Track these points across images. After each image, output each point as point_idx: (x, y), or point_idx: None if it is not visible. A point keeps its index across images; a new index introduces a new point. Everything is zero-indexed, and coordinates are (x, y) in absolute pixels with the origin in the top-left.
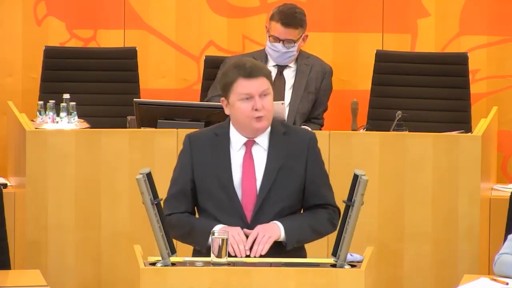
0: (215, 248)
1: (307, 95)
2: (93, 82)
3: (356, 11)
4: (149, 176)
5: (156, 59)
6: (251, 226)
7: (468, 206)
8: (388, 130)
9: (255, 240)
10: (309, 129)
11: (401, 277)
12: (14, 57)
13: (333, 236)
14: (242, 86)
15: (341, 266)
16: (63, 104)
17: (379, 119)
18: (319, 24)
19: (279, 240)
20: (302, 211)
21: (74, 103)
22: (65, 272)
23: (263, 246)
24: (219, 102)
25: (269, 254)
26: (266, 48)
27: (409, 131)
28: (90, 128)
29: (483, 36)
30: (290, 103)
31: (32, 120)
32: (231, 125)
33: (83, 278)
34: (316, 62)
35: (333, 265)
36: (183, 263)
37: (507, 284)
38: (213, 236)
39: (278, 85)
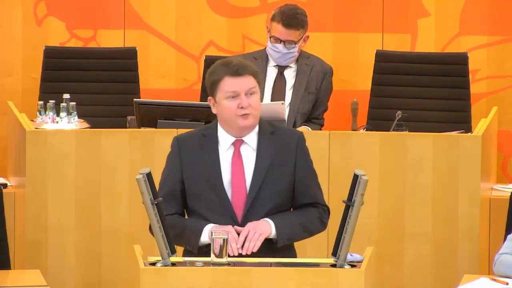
0: (215, 248)
1: (308, 95)
2: (93, 82)
3: (356, 11)
4: (149, 176)
5: (156, 59)
6: (242, 226)
7: (468, 206)
8: (388, 130)
9: (246, 237)
10: (309, 128)
11: (401, 277)
12: (14, 57)
13: (333, 236)
14: (229, 84)
15: (341, 266)
16: (63, 104)
17: (379, 119)
18: (319, 24)
19: (270, 237)
20: (291, 210)
21: (74, 103)
22: (65, 272)
23: (255, 243)
24: None
25: (259, 251)
26: (266, 49)
27: (409, 131)
28: (90, 128)
29: (483, 36)
30: (290, 103)
31: (32, 120)
32: (218, 125)
33: (83, 278)
34: (316, 62)
35: (333, 265)
36: (183, 263)
37: (507, 284)
38: (213, 236)
39: (278, 85)
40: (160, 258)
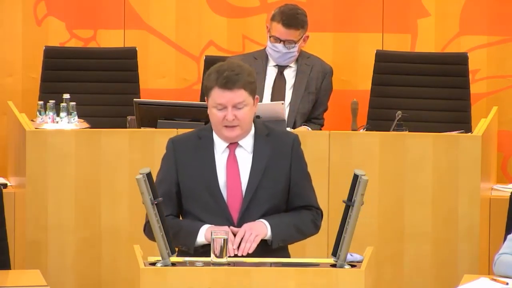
0: (215, 248)
1: (308, 95)
2: (93, 82)
3: (356, 11)
4: (149, 176)
5: (156, 59)
6: (238, 227)
7: (468, 206)
8: (388, 130)
9: (242, 238)
10: (309, 128)
11: (401, 277)
12: (14, 57)
13: (333, 236)
14: (217, 95)
15: (341, 266)
16: (63, 104)
17: (379, 119)
18: (319, 24)
19: (265, 238)
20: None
21: (74, 103)
22: (65, 272)
23: (251, 244)
24: None
25: (254, 252)
26: (266, 48)
27: (409, 131)
28: (90, 128)
29: (483, 36)
30: (290, 103)
31: (32, 120)
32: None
33: (83, 278)
34: (316, 62)
35: (333, 265)
36: (183, 263)
37: (507, 284)
38: (214, 236)
39: (278, 85)
40: (160, 258)
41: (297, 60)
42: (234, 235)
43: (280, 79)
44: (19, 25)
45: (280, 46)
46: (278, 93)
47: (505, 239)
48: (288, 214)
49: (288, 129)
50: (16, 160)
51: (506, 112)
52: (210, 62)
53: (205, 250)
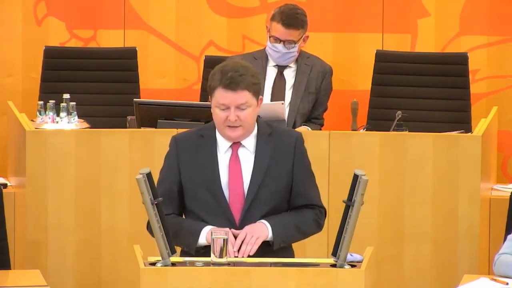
0: (215, 248)
1: (308, 95)
2: (93, 82)
3: (356, 11)
4: (149, 176)
5: (156, 59)
6: (239, 228)
7: (468, 206)
8: (388, 130)
9: (243, 241)
10: (309, 128)
11: (401, 277)
12: (14, 57)
13: (333, 236)
14: (220, 95)
15: (341, 266)
16: (63, 104)
17: (379, 119)
18: (319, 24)
19: (267, 239)
20: (288, 210)
21: (74, 103)
22: (65, 272)
23: (252, 246)
24: None
25: (256, 253)
26: (266, 48)
27: (409, 131)
28: (90, 128)
29: (483, 36)
30: (290, 103)
31: (32, 120)
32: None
33: (83, 278)
34: (316, 62)
35: (333, 265)
36: (183, 263)
37: (507, 284)
38: (214, 236)
39: (278, 85)
40: (160, 258)
41: (297, 60)
42: (235, 237)
43: (280, 79)
44: (19, 25)
45: (280, 46)
46: (278, 93)
47: (505, 239)
48: (289, 214)
49: None
50: (16, 160)
51: (506, 112)
52: (210, 62)
53: (206, 251)
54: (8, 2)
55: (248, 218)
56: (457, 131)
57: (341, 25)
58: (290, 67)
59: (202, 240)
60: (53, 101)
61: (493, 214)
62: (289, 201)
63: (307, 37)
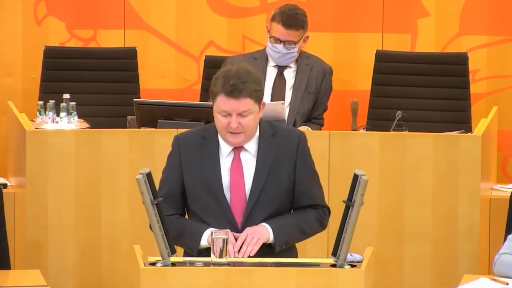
0: (215, 248)
1: (307, 95)
2: (93, 82)
3: (356, 11)
4: (149, 176)
5: (156, 59)
6: (241, 231)
7: (468, 206)
8: (388, 130)
9: (244, 242)
10: (309, 128)
11: (401, 277)
12: (14, 57)
13: (333, 236)
14: (222, 102)
15: (341, 266)
16: (63, 104)
17: (379, 119)
18: (319, 24)
19: (268, 242)
20: (292, 211)
21: (74, 103)
22: (65, 272)
23: (252, 247)
24: None
25: (258, 255)
26: (266, 49)
27: (409, 131)
28: (90, 128)
29: (483, 36)
30: (290, 103)
31: (32, 120)
32: None
33: (83, 278)
34: (316, 62)
35: (333, 265)
36: (183, 263)
37: (507, 284)
38: (214, 237)
39: (278, 85)
40: (160, 258)
41: (297, 60)
42: (236, 239)
43: (280, 79)
44: (19, 25)
45: (280, 46)
46: (278, 93)
47: (505, 239)
48: (291, 215)
49: None
50: (16, 160)
51: (506, 112)
52: (210, 62)
53: (208, 252)
54: (8, 2)
55: (250, 221)
56: (457, 131)
57: (341, 25)
58: (290, 67)
59: (204, 242)
60: (53, 101)
61: (493, 214)
62: (292, 202)
63: (307, 37)
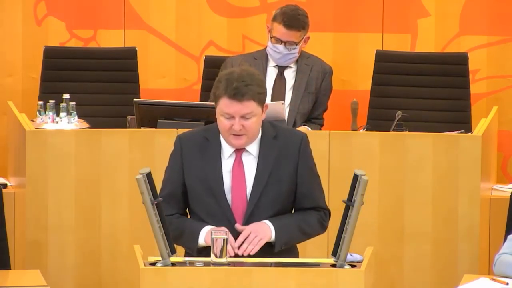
0: (215, 248)
1: (308, 95)
2: (93, 82)
3: (356, 11)
4: (149, 176)
5: (156, 59)
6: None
7: (468, 206)
8: (388, 130)
9: (246, 238)
10: (309, 128)
11: (401, 277)
12: (14, 57)
13: (333, 236)
14: (225, 104)
15: (341, 266)
16: (63, 104)
17: (379, 119)
18: (319, 24)
19: (269, 241)
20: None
21: (74, 103)
22: (65, 272)
23: (253, 246)
24: None
25: (258, 255)
26: (267, 49)
27: (409, 131)
28: (90, 128)
29: (483, 36)
30: (290, 103)
31: (32, 120)
32: None
33: (83, 278)
34: (316, 62)
35: (333, 265)
36: (183, 263)
37: (507, 284)
38: (214, 236)
39: (278, 85)
40: (160, 258)
41: (297, 61)
42: (239, 233)
43: (280, 80)
44: (19, 25)
45: (281, 47)
46: (278, 93)
47: (505, 239)
48: (294, 216)
49: None
50: (16, 160)
51: (506, 112)
52: (210, 62)
53: (208, 252)
54: (8, 2)
55: (251, 222)
56: (457, 131)
57: (341, 25)
58: (290, 67)
59: (201, 241)
60: (53, 101)
61: (493, 214)
62: (293, 203)
63: (308, 38)
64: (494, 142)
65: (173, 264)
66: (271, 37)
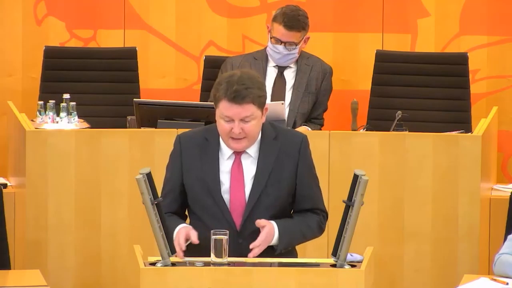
0: (215, 248)
1: (308, 95)
2: (93, 82)
3: (356, 11)
4: (149, 176)
5: (156, 59)
6: (241, 233)
7: (468, 206)
8: (388, 130)
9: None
10: (309, 128)
11: (401, 277)
12: (14, 57)
13: (333, 236)
14: (225, 107)
15: (341, 266)
16: (63, 104)
17: (379, 119)
18: (319, 24)
19: (271, 244)
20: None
21: (74, 103)
22: (65, 272)
23: (259, 251)
24: None
25: (258, 255)
26: (267, 49)
27: (409, 131)
28: (90, 128)
29: (483, 36)
30: (290, 103)
31: (32, 120)
32: None
33: (83, 278)
34: (316, 62)
35: (333, 265)
36: (183, 263)
37: (507, 284)
38: (214, 236)
39: (278, 85)
40: (160, 258)
41: (297, 61)
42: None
43: (280, 80)
44: (19, 25)
45: (281, 47)
46: (278, 94)
47: (505, 239)
48: (297, 220)
49: None
50: (16, 160)
51: (506, 112)
52: (210, 62)
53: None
54: (8, 2)
55: (249, 223)
56: (457, 131)
57: (341, 25)
58: (290, 67)
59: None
60: (53, 101)
61: (493, 214)
62: (292, 204)
63: (308, 38)
64: (494, 142)
65: (173, 264)
66: (271, 37)
